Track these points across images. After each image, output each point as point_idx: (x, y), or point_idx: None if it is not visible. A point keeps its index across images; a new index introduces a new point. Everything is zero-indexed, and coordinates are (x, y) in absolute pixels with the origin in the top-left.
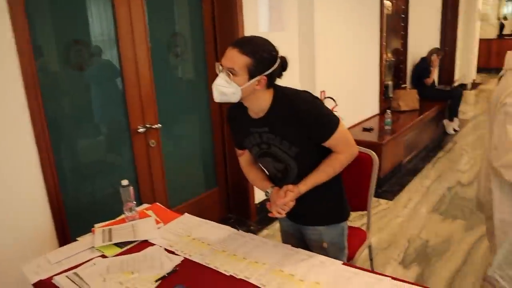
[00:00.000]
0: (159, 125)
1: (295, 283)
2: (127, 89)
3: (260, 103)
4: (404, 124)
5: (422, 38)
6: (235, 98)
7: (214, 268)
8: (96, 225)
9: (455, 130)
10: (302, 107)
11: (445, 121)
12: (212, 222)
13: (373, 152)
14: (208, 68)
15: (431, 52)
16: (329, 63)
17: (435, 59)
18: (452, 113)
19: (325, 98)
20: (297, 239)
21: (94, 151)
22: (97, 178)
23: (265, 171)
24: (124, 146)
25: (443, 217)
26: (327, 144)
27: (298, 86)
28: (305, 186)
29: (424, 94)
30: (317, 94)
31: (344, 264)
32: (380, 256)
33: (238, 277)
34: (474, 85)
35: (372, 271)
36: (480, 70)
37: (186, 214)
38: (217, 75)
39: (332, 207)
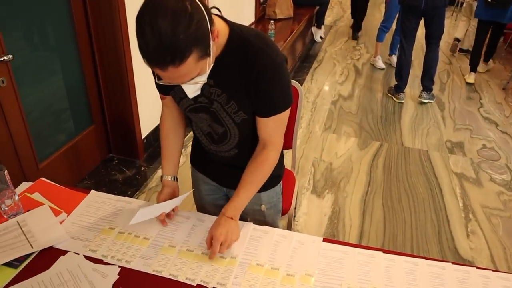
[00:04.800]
0: (9, 56)
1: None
2: None
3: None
4: (285, 35)
5: None
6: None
7: (171, 278)
8: None
9: (321, 38)
10: (263, 60)
11: (314, 28)
12: (137, 200)
13: (299, 84)
14: None
15: None
16: None
17: None
18: (320, 20)
19: (211, 8)
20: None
21: None
22: None
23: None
24: None
25: (336, 135)
26: (261, 121)
27: None
28: (236, 210)
29: (296, 1)
30: None
31: (324, 240)
32: None
33: (209, 287)
34: None
35: (360, 246)
36: None
37: (92, 191)
38: None
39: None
